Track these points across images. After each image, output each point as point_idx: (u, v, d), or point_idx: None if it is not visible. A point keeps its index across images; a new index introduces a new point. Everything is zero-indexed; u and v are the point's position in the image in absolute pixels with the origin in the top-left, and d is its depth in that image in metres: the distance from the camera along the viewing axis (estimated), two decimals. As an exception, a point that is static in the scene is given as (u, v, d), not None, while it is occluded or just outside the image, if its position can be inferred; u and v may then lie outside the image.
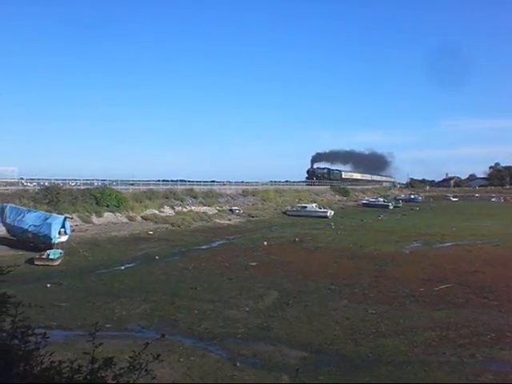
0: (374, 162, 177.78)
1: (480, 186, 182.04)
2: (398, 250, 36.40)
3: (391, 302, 20.56)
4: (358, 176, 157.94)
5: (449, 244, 39.99)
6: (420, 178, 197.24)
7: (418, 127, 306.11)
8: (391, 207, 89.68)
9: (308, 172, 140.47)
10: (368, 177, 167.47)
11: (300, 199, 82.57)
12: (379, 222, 63.45)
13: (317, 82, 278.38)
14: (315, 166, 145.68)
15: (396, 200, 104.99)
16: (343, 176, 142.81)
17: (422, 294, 21.83)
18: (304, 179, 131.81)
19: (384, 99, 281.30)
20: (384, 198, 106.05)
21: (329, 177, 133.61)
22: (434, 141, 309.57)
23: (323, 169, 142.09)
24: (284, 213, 69.11)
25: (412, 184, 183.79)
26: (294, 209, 70.23)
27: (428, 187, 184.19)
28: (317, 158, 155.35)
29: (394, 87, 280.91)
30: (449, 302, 20.42)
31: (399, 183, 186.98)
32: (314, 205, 71.24)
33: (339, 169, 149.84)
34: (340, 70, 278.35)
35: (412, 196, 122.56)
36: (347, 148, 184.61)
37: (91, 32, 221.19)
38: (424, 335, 16.14)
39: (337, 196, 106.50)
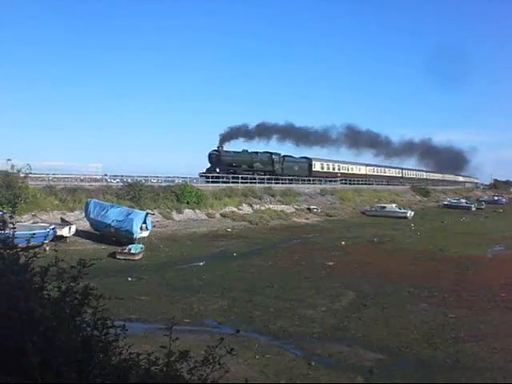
0: (450, 160, 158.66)
1: None
2: (479, 253, 35.17)
3: (471, 306, 19.92)
4: (372, 170, 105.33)
5: (534, 248, 38.32)
6: (504, 179, 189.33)
7: (502, 126, 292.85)
8: (473, 209, 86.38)
9: (210, 158, 65.53)
10: (396, 172, 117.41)
11: (379, 199, 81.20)
12: (461, 224, 61.50)
13: (394, 78, 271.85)
14: (230, 150, 69.61)
15: (479, 202, 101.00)
16: (316, 168, 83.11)
17: (503, 299, 21.01)
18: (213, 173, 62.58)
19: (464, 97, 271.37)
20: (466, 199, 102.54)
21: (272, 167, 72.51)
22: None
23: (251, 153, 71.23)
24: (363, 213, 68.23)
25: (496, 185, 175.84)
26: (373, 209, 69.18)
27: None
28: (231, 133, 77.73)
29: (475, 84, 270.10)
30: (532, 309, 19.60)
31: (482, 184, 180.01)
32: (393, 205, 70.03)
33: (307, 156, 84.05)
34: (421, 67, 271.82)
35: (495, 198, 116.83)
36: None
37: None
38: (505, 341, 15.56)
39: (417, 196, 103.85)
